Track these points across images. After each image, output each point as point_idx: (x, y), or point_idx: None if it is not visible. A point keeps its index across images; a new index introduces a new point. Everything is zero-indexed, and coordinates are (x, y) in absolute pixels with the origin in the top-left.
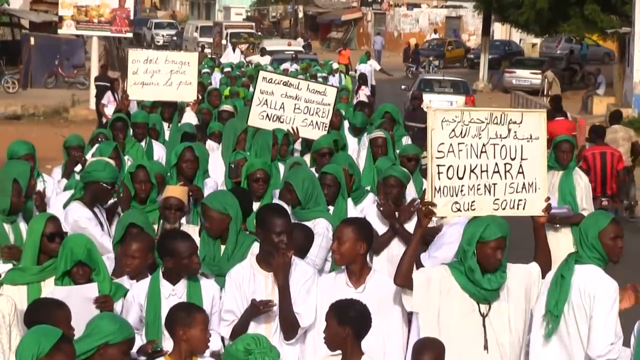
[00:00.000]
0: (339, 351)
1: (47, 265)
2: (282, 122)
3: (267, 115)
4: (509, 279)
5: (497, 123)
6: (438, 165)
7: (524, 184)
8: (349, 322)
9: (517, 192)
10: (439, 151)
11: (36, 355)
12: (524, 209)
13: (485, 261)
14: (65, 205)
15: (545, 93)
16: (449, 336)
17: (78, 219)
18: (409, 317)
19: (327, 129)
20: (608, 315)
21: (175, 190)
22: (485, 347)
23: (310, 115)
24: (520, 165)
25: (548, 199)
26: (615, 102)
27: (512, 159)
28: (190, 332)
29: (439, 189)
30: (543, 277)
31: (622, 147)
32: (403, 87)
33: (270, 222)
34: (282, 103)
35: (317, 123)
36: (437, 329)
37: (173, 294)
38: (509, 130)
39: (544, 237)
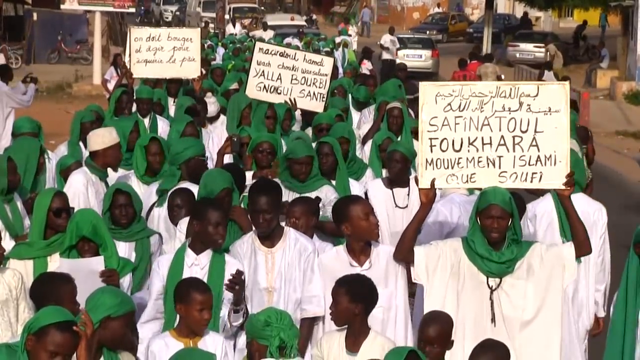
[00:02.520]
0: (344, 327)
1: (54, 240)
2: (279, 94)
3: (265, 86)
4: (533, 256)
5: (505, 96)
6: (430, 139)
7: (538, 157)
8: (361, 299)
9: (529, 164)
10: (431, 124)
11: (28, 329)
12: (539, 181)
13: (485, 232)
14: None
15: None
16: (456, 308)
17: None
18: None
19: (324, 99)
20: None
21: None
22: (492, 321)
23: (307, 86)
24: (534, 138)
25: (572, 173)
26: (618, 75)
27: (523, 132)
28: (187, 310)
29: (431, 161)
30: (580, 255)
31: (490, 77)
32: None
33: (250, 198)
34: (279, 74)
35: (314, 94)
36: (443, 301)
37: (196, 263)
38: (521, 103)
39: (575, 213)
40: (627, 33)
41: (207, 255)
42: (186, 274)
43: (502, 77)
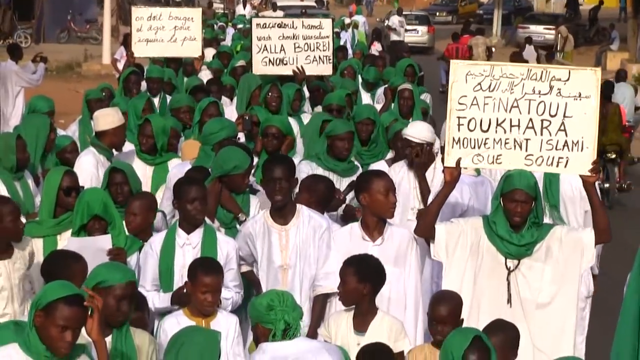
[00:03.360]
0: (352, 307)
1: (64, 219)
2: (285, 64)
3: (270, 60)
4: (552, 240)
5: (535, 79)
6: (458, 117)
7: (565, 142)
8: (369, 279)
9: (556, 149)
10: (460, 103)
11: (35, 305)
12: (565, 167)
13: (508, 215)
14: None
15: (559, 49)
16: (472, 288)
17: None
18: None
19: (331, 61)
20: None
21: (194, 146)
22: (509, 302)
23: (312, 51)
24: (562, 123)
25: (597, 160)
26: (629, 57)
27: (552, 116)
28: (194, 290)
29: (458, 140)
30: (599, 242)
31: (480, 47)
32: (386, 23)
33: (267, 169)
34: (282, 45)
35: (320, 57)
36: (461, 279)
37: (187, 243)
38: (551, 87)
39: (597, 200)
40: (638, 15)
41: (198, 234)
42: (178, 254)
43: (493, 49)
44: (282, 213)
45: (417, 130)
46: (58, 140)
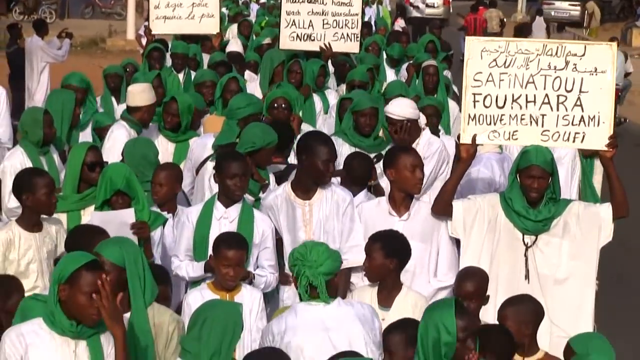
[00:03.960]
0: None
1: (87, 194)
2: (312, 40)
3: (297, 35)
4: (570, 215)
5: (551, 54)
6: (474, 94)
7: (582, 117)
8: (396, 254)
9: (572, 124)
10: (475, 80)
11: (57, 281)
12: (582, 142)
13: (524, 191)
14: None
15: (585, 25)
16: (490, 264)
17: None
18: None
19: (358, 39)
20: None
21: (216, 121)
22: (527, 277)
23: (340, 29)
24: (578, 98)
25: (614, 134)
26: None
27: (568, 91)
28: (216, 264)
29: (474, 116)
30: (617, 217)
31: (494, 21)
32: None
33: (317, 149)
34: (310, 21)
35: (348, 35)
36: (479, 256)
37: (225, 216)
38: (567, 63)
39: (616, 175)
40: None
41: (236, 209)
42: (214, 226)
43: (504, 20)
44: (305, 188)
45: (398, 107)
46: (98, 117)
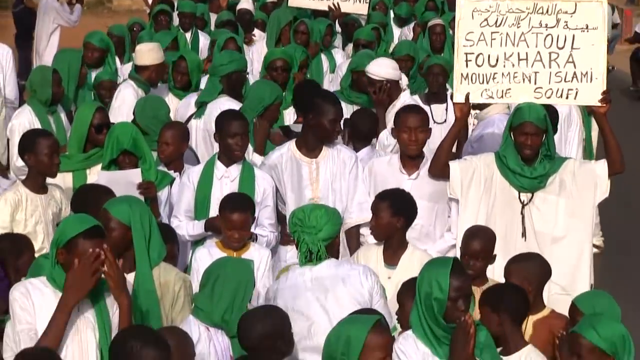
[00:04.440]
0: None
1: (93, 153)
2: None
3: None
4: (565, 172)
5: (542, 12)
6: (466, 53)
7: (574, 73)
8: (403, 213)
9: (565, 81)
10: (467, 39)
11: (56, 244)
12: (575, 98)
13: (518, 148)
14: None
15: None
16: (487, 223)
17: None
18: None
19: (367, 1)
20: None
21: None
22: (523, 235)
23: None
24: (570, 55)
25: (608, 90)
26: None
27: (560, 48)
28: (223, 226)
29: (467, 76)
30: (612, 173)
31: None
32: None
33: (324, 108)
34: None
35: None
36: (476, 215)
37: (226, 175)
38: (558, 20)
39: (610, 131)
40: None
41: (237, 168)
42: (215, 186)
43: None
44: (311, 146)
45: (378, 67)
46: (98, 74)
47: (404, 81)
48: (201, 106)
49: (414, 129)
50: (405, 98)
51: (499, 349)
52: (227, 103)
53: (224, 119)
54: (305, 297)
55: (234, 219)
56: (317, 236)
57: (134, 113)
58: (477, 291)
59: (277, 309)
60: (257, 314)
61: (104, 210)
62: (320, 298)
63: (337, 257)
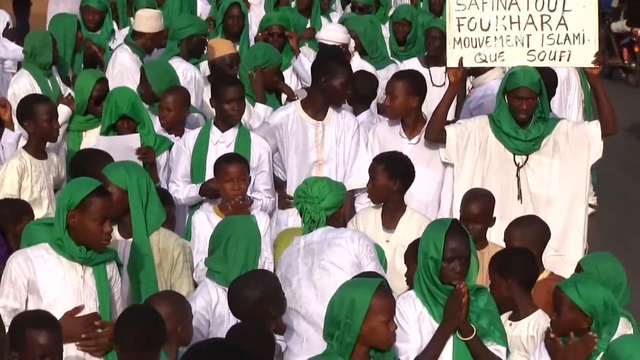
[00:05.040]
0: (380, 204)
1: (92, 117)
2: None
3: None
4: (559, 134)
5: None
6: (458, 18)
7: (566, 35)
8: (399, 176)
9: (557, 43)
10: (458, 4)
11: (67, 207)
12: (568, 60)
13: (513, 112)
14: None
15: None
16: (483, 186)
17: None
18: None
19: None
20: None
21: (224, 44)
22: (519, 197)
23: None
24: (562, 17)
25: (599, 52)
26: None
27: (551, 11)
28: (220, 185)
29: (459, 40)
30: (605, 134)
31: None
32: None
33: (336, 70)
34: None
35: None
36: (472, 179)
37: (221, 141)
38: None
39: (603, 92)
40: None
41: (232, 133)
42: (211, 151)
43: None
44: (318, 108)
45: (328, 32)
46: (94, 38)
47: (352, 45)
48: None
49: (407, 94)
50: (357, 61)
51: (507, 314)
52: (179, 65)
53: (220, 84)
54: (295, 264)
55: (230, 170)
56: (319, 205)
57: (146, 76)
58: (479, 255)
59: (264, 273)
60: (246, 281)
61: (102, 176)
62: (307, 263)
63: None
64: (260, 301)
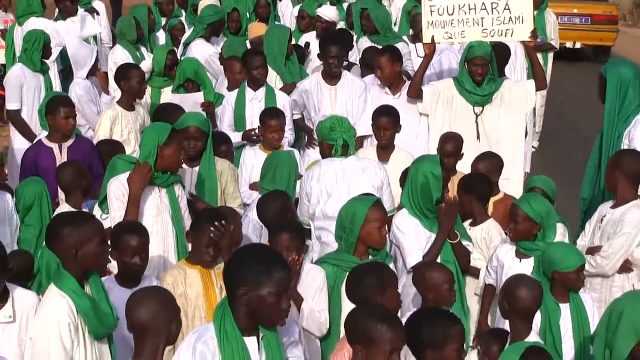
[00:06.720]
0: (375, 142)
1: (167, 79)
2: None
3: None
4: (505, 90)
5: None
6: (430, 5)
7: (510, 17)
8: (399, 59)
9: (504, 23)
10: None
11: (156, 144)
12: (511, 36)
13: (471, 75)
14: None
15: None
16: (451, 129)
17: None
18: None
19: None
20: None
21: (258, 27)
22: (478, 137)
23: None
24: (507, 3)
25: (535, 29)
26: None
27: None
28: (263, 132)
29: (432, 22)
30: (538, 89)
31: None
32: None
33: (327, 48)
34: None
35: None
36: (442, 124)
37: (255, 97)
38: None
39: (536, 59)
40: None
41: (262, 91)
42: (248, 105)
43: None
44: (332, 76)
45: (329, 11)
46: (171, 22)
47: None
48: (186, 45)
49: (389, 64)
50: (363, 41)
51: (468, 221)
52: (202, 44)
53: (248, 55)
54: (333, 178)
55: (272, 123)
56: (350, 132)
57: (223, 50)
58: (451, 181)
59: (281, 193)
60: (268, 199)
61: (186, 128)
62: (345, 182)
63: None
64: (280, 213)
